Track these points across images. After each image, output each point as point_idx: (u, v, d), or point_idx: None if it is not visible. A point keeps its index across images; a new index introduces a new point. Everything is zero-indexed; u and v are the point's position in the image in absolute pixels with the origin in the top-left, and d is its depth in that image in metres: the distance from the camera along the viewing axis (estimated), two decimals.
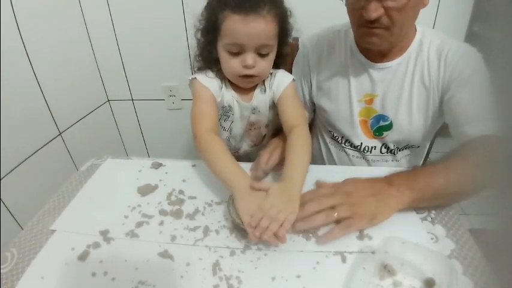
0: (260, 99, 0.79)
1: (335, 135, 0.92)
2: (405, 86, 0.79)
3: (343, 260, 0.53)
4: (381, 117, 0.83)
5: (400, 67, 0.79)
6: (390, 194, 0.59)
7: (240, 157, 0.91)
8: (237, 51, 0.68)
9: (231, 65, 0.70)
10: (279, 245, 0.55)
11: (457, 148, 0.69)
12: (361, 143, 0.87)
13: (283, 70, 0.82)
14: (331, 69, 0.86)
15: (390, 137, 0.84)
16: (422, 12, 0.74)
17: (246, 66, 0.68)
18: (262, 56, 0.69)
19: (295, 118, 0.73)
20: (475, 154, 0.64)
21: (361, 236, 0.57)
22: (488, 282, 0.49)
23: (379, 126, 0.84)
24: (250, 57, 0.67)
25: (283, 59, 0.81)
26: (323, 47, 0.88)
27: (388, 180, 0.61)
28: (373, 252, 0.54)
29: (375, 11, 0.64)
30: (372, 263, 0.51)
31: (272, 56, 0.72)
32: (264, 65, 0.70)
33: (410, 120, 0.80)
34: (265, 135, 0.89)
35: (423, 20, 0.77)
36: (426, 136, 0.85)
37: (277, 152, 0.73)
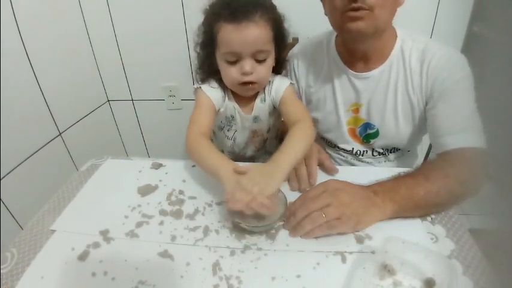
0: (260, 108, 0.80)
1: (328, 141, 0.93)
2: (389, 95, 0.79)
3: (343, 260, 0.53)
4: (368, 125, 0.84)
5: (383, 75, 0.78)
6: (375, 204, 0.58)
7: (244, 158, 0.91)
8: (235, 59, 0.69)
9: (230, 73, 0.71)
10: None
11: (436, 159, 0.71)
12: (353, 148, 0.88)
13: (281, 76, 0.82)
14: (317, 82, 0.87)
15: (377, 143, 0.85)
16: (423, 12, 0.74)
17: (244, 73, 0.69)
18: (259, 62, 0.70)
19: (297, 114, 0.74)
20: (453, 167, 0.65)
21: (360, 238, 0.57)
22: (488, 282, 0.49)
23: (367, 134, 0.85)
24: (247, 64, 0.68)
25: (283, 64, 0.82)
26: (308, 61, 0.88)
27: (373, 189, 0.61)
28: (373, 252, 0.54)
29: None
30: (372, 263, 0.51)
31: (270, 62, 0.72)
32: (262, 70, 0.71)
33: (397, 127, 0.81)
34: (266, 139, 0.89)
35: (423, 20, 0.77)
36: (415, 141, 0.85)
37: (313, 162, 0.72)
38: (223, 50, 0.68)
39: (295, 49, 0.92)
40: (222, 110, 0.78)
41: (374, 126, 0.83)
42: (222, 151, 0.89)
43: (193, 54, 0.81)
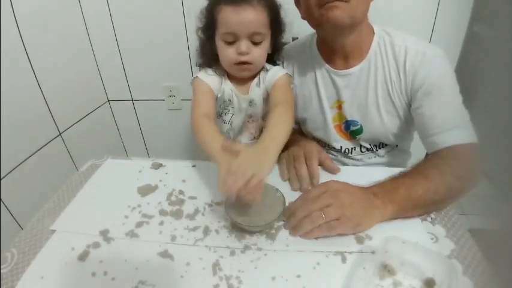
0: (256, 92, 0.82)
1: (318, 140, 0.93)
2: (370, 92, 0.80)
3: (343, 260, 0.53)
4: (351, 122, 0.84)
5: (362, 73, 0.79)
6: (375, 205, 0.59)
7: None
8: (232, 40, 0.72)
9: (227, 53, 0.74)
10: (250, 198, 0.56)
11: (431, 158, 0.71)
12: (341, 146, 0.89)
13: (279, 67, 0.85)
14: (302, 82, 0.88)
15: (363, 139, 0.86)
16: (423, 12, 0.74)
17: (240, 53, 0.73)
18: (255, 44, 0.73)
19: (280, 99, 0.75)
20: (449, 164, 0.66)
21: (360, 238, 0.57)
22: (488, 282, 0.49)
23: (351, 131, 0.86)
24: (244, 44, 0.72)
25: (279, 53, 0.84)
26: (292, 63, 0.89)
27: (372, 191, 0.61)
28: (373, 252, 0.54)
29: None
30: (372, 263, 0.51)
31: (265, 46, 0.76)
32: (258, 52, 0.74)
33: (381, 123, 0.81)
34: (262, 128, 0.90)
35: (423, 20, 0.77)
36: (403, 136, 0.86)
37: (314, 163, 0.74)
38: (222, 31, 0.72)
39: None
40: (219, 95, 0.81)
41: (357, 122, 0.84)
42: None
43: (194, 54, 0.82)
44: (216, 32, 0.75)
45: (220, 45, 0.75)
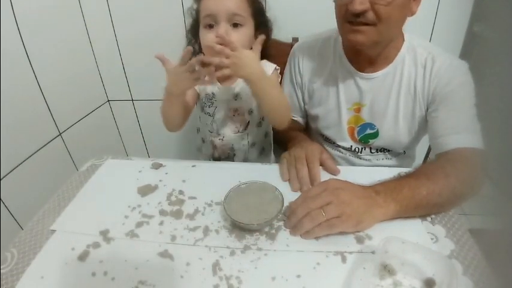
0: (242, 86, 0.82)
1: (327, 138, 0.93)
2: (392, 97, 0.79)
3: (343, 260, 0.53)
4: (368, 125, 0.84)
5: (387, 77, 0.79)
6: (377, 203, 0.58)
7: (223, 146, 0.91)
8: (212, 23, 0.74)
9: (207, 38, 0.74)
10: None
11: (437, 160, 0.72)
12: (351, 145, 0.89)
13: (266, 61, 0.83)
14: (321, 77, 0.87)
15: (376, 144, 0.86)
16: (423, 11, 0.74)
17: (218, 36, 0.72)
18: (235, 28, 0.74)
19: None
20: (454, 166, 0.66)
21: (360, 238, 0.57)
22: (488, 282, 0.49)
23: (366, 134, 0.85)
24: (222, 26, 0.73)
25: (266, 51, 0.82)
26: (314, 55, 0.88)
27: (375, 189, 0.61)
28: (373, 252, 0.54)
29: (360, 4, 0.64)
30: (372, 263, 0.51)
31: (245, 32, 0.75)
32: (237, 37, 0.73)
33: (396, 129, 0.81)
34: (248, 122, 0.88)
35: (423, 20, 0.77)
36: (411, 144, 0.86)
37: (316, 165, 0.73)
38: (202, 15, 0.74)
39: (300, 43, 0.92)
40: (201, 88, 0.82)
41: (375, 126, 0.83)
42: (203, 132, 0.94)
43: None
44: (200, 25, 0.76)
45: (201, 33, 0.76)
